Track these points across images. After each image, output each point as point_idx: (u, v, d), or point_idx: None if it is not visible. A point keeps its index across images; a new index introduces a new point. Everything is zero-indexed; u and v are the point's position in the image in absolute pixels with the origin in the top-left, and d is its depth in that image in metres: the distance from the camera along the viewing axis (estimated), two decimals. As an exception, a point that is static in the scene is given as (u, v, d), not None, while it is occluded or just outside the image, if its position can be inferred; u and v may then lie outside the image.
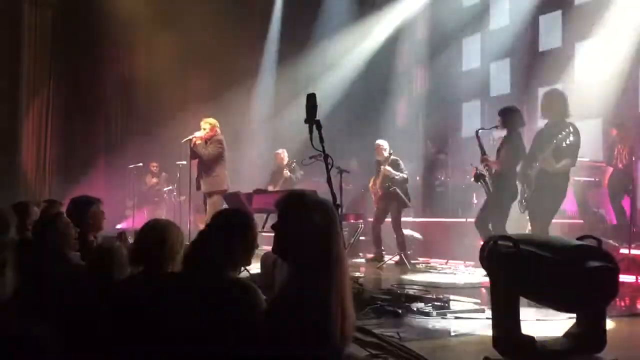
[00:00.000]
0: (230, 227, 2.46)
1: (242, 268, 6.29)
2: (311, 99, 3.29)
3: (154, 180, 11.97)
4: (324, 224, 2.13)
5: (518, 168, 6.22)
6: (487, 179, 6.44)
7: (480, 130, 6.68)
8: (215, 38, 11.54)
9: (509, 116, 6.43)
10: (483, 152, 6.54)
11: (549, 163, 5.64)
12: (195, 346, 2.31)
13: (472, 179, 6.79)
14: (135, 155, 11.36)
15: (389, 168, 8.15)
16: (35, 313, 2.94)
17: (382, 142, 8.46)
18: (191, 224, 7.71)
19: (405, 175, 8.35)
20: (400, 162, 8.41)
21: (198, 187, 7.82)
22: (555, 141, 5.56)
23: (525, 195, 5.93)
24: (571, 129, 5.60)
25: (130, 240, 4.65)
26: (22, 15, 11.34)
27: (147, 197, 11.82)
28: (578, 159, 8.19)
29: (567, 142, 5.54)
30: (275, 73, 12.81)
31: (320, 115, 3.36)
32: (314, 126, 3.26)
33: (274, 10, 12.74)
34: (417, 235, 8.95)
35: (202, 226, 3.92)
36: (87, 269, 3.17)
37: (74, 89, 11.94)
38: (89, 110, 12.12)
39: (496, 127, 6.61)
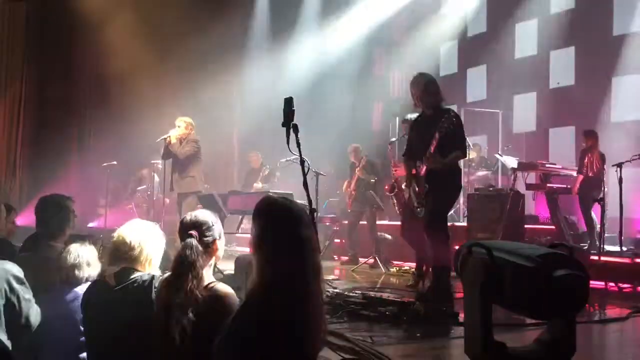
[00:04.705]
0: (200, 230, 2.45)
1: (216, 269, 6.26)
2: (289, 103, 3.27)
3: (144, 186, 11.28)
4: (293, 229, 2.11)
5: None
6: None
7: (393, 141, 6.85)
8: (191, 33, 11.43)
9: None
10: (393, 163, 6.70)
11: (436, 160, 5.04)
12: (167, 349, 2.29)
13: (387, 191, 6.93)
14: (108, 153, 11.20)
15: (363, 171, 8.18)
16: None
17: (357, 145, 8.49)
18: (164, 224, 7.61)
19: (381, 177, 8.39)
20: (377, 163, 8.44)
21: (172, 188, 7.72)
22: (437, 134, 4.96)
23: (419, 199, 5.30)
24: (452, 115, 5.00)
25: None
26: (-6, 10, 11.13)
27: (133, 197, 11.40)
28: (549, 165, 8.38)
29: (451, 131, 4.94)
30: (252, 71, 12.72)
31: (297, 117, 3.35)
32: (291, 130, 3.24)
33: (254, 7, 12.66)
34: (387, 236, 8.92)
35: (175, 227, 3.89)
36: (56, 268, 3.12)
37: (46, 84, 11.73)
38: (62, 107, 11.92)
39: (404, 135, 6.65)
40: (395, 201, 6.79)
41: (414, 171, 5.36)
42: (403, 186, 5.88)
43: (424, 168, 5.16)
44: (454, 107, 11.32)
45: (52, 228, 3.58)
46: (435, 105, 5.27)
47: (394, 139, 6.98)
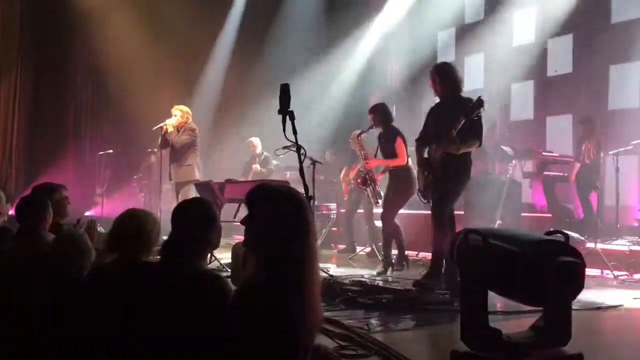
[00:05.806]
0: (195, 217, 2.45)
1: (213, 257, 6.26)
2: (285, 90, 3.26)
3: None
4: (292, 215, 2.10)
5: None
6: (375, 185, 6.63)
7: (362, 134, 6.83)
8: (188, 22, 11.34)
9: (380, 113, 6.51)
10: (366, 157, 6.73)
11: (456, 143, 4.97)
12: (163, 335, 2.30)
13: (359, 184, 6.93)
14: (105, 142, 11.18)
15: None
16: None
17: (356, 133, 8.44)
18: (162, 212, 7.60)
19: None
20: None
21: (170, 177, 7.71)
22: (463, 117, 4.92)
23: (427, 185, 5.28)
24: (477, 101, 4.97)
25: (100, 228, 4.61)
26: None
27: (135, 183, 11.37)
28: (546, 153, 8.38)
29: (475, 117, 4.95)
30: (249, 58, 12.62)
31: (294, 105, 3.33)
32: (287, 117, 3.23)
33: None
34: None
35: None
36: (51, 257, 3.10)
37: (42, 74, 11.66)
38: (58, 96, 11.86)
39: (371, 127, 6.62)
40: (369, 193, 6.82)
41: (425, 155, 5.34)
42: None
43: (439, 152, 5.12)
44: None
45: (29, 217, 3.52)
46: (456, 94, 5.27)
47: (363, 130, 6.91)
